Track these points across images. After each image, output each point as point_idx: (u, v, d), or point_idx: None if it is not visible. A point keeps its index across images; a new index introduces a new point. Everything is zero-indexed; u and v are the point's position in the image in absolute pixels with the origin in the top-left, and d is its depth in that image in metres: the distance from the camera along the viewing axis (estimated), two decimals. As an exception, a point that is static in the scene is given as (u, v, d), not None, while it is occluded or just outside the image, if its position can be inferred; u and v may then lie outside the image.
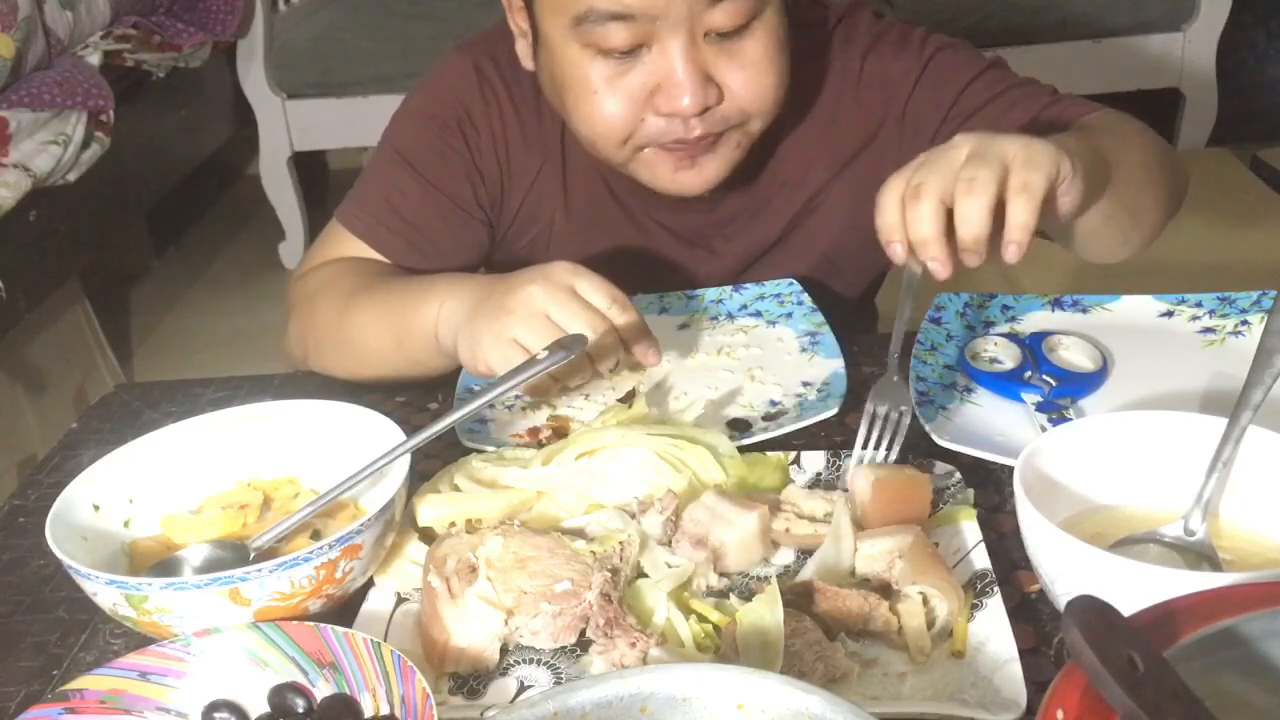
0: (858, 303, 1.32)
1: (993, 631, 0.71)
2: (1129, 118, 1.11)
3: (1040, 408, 0.95)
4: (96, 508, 0.83)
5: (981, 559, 0.77)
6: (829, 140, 1.17)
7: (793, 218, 1.20)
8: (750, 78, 1.01)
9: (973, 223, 0.80)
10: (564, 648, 0.75)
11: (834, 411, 0.96)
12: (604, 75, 0.99)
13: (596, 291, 0.94)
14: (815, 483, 0.88)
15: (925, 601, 0.72)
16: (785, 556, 0.82)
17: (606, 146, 1.04)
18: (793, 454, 0.90)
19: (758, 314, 1.15)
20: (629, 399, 0.95)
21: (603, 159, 1.08)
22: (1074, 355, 1.02)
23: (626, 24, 0.96)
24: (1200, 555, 0.73)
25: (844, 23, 1.16)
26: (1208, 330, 1.05)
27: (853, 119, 1.16)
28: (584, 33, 0.98)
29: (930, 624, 0.72)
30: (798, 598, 0.74)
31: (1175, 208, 1.12)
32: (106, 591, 0.73)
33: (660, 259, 1.21)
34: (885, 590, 0.75)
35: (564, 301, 0.92)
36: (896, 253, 0.84)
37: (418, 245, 1.15)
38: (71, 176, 2.27)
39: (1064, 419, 0.92)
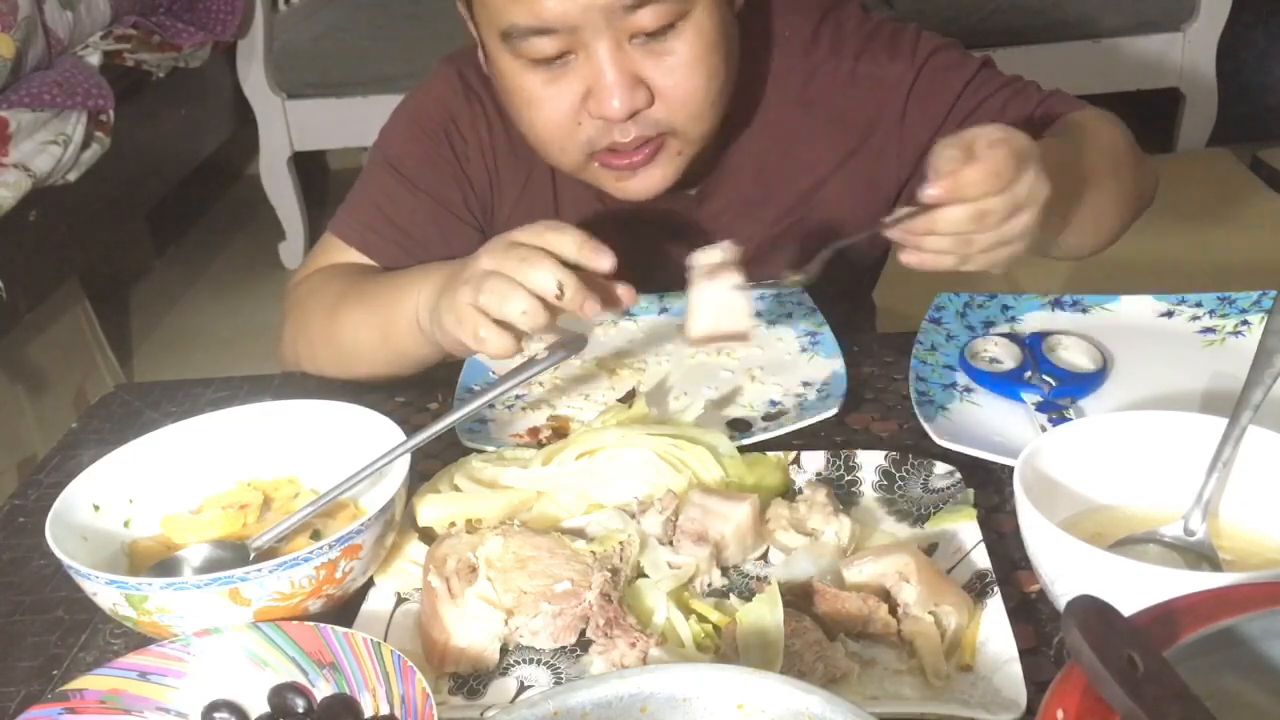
0: (856, 299, 1.32)
1: (993, 631, 0.71)
2: (1106, 117, 1.12)
3: (1040, 408, 0.95)
4: (96, 508, 0.83)
5: (981, 559, 0.77)
6: (822, 138, 1.17)
7: (787, 214, 1.20)
8: (679, 80, 1.00)
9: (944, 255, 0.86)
10: (564, 648, 0.75)
11: (834, 411, 0.96)
12: (538, 83, 1.00)
13: (534, 235, 0.90)
14: (816, 482, 0.88)
15: (937, 622, 0.72)
16: (780, 555, 0.82)
17: (553, 153, 1.06)
18: (793, 454, 0.90)
19: (758, 314, 1.15)
20: (629, 399, 0.95)
21: (556, 166, 1.09)
22: (1074, 355, 1.02)
23: (550, 36, 0.97)
24: (1200, 555, 0.73)
25: (830, 19, 1.16)
26: (1208, 330, 1.05)
27: (846, 119, 1.16)
28: (512, 46, 0.99)
29: (941, 636, 0.72)
30: (797, 598, 0.74)
31: (1140, 206, 1.13)
32: (106, 591, 0.73)
33: (653, 258, 1.21)
34: (884, 593, 0.75)
35: (509, 254, 0.89)
36: (931, 196, 0.84)
37: (410, 251, 1.15)
38: (71, 176, 2.27)
39: (1064, 419, 0.92)
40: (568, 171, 1.08)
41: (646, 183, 1.06)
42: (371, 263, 1.16)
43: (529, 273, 0.87)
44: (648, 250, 1.21)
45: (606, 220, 1.19)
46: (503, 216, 1.19)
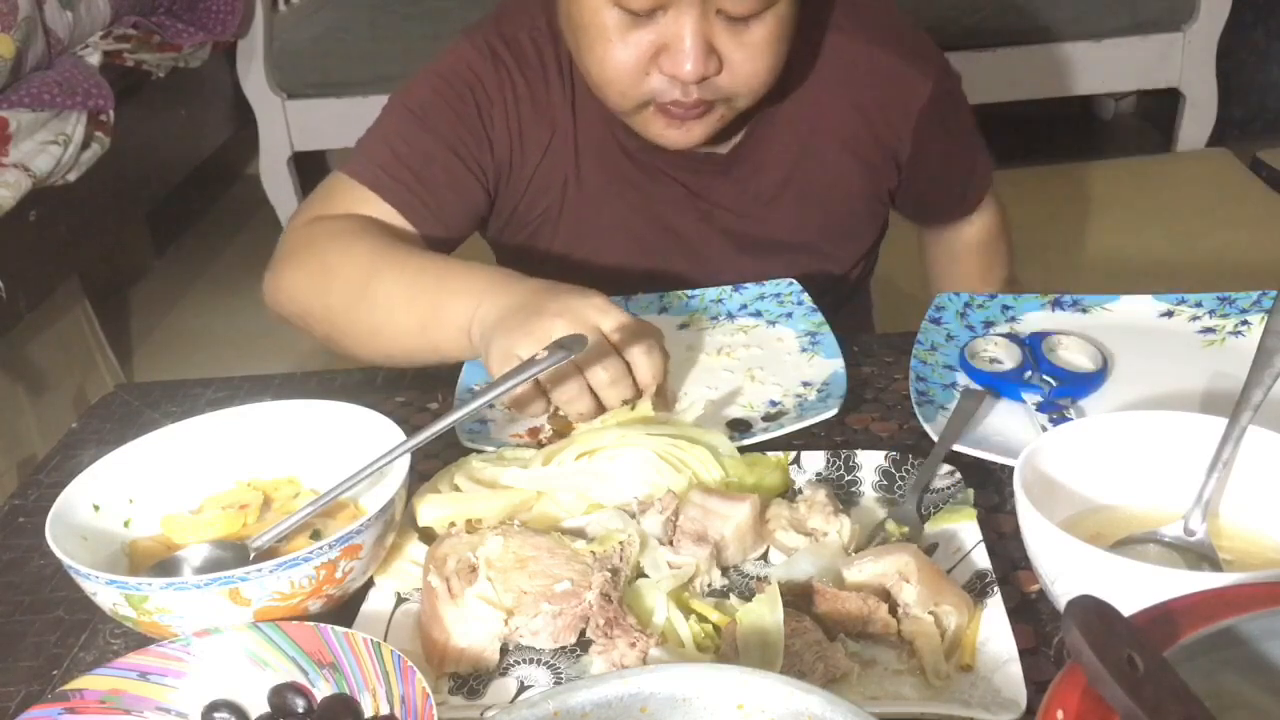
0: (853, 283, 1.36)
1: (993, 631, 0.71)
2: (993, 237, 1.41)
3: (1040, 408, 0.95)
4: (96, 508, 0.83)
5: (981, 559, 0.77)
6: (835, 113, 1.22)
7: (788, 183, 1.24)
8: (750, 57, 1.06)
9: None
10: (564, 648, 0.75)
11: (834, 411, 0.96)
12: (618, 26, 1.05)
13: (614, 327, 0.94)
14: (816, 482, 0.88)
15: (937, 622, 0.72)
16: (780, 556, 0.82)
17: (612, 93, 1.09)
18: (793, 454, 0.90)
19: (758, 314, 1.15)
20: (632, 401, 0.95)
21: (607, 104, 1.12)
22: (1074, 355, 1.02)
23: None
24: (1200, 555, 0.73)
25: (843, 2, 1.21)
26: (1208, 330, 1.05)
27: (859, 99, 1.21)
28: None
29: (941, 635, 0.72)
30: (797, 598, 0.74)
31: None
32: (106, 591, 0.73)
33: (669, 220, 1.25)
34: (884, 593, 0.75)
35: (601, 360, 0.93)
36: None
37: (419, 196, 1.15)
38: (71, 176, 2.27)
39: (1064, 419, 0.92)
40: (619, 112, 1.13)
41: (689, 135, 1.12)
42: (383, 207, 1.15)
43: (609, 394, 0.94)
44: (665, 212, 1.23)
45: (626, 181, 1.22)
46: (524, 177, 1.22)
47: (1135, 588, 0.63)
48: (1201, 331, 1.05)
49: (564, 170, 1.21)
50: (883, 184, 1.28)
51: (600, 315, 0.94)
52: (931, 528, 0.82)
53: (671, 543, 0.80)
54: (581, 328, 0.92)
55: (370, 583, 0.81)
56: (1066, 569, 0.69)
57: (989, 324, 1.09)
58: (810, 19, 1.16)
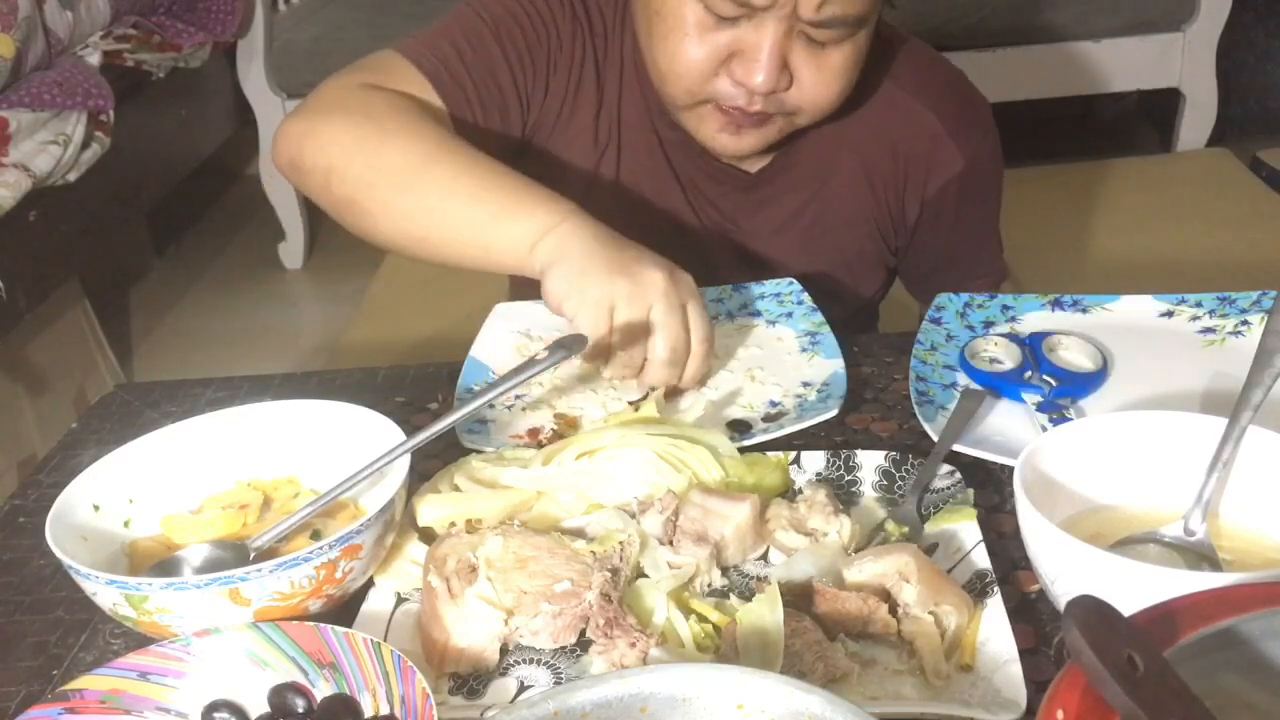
0: (865, 303, 1.35)
1: (993, 631, 0.71)
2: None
3: (1040, 408, 0.95)
4: (96, 508, 0.83)
5: (981, 559, 0.77)
6: (853, 148, 1.21)
7: (809, 197, 1.23)
8: (822, 79, 1.07)
9: None
10: (564, 648, 0.75)
11: (834, 412, 0.96)
12: (698, 23, 1.04)
13: (698, 318, 0.97)
14: (816, 482, 0.88)
15: (937, 622, 0.72)
16: (780, 556, 0.82)
17: (676, 88, 1.09)
18: (793, 454, 0.90)
19: (758, 314, 1.15)
20: (639, 403, 0.96)
21: (666, 95, 1.12)
22: (1074, 355, 1.02)
23: (739, 3, 1.02)
24: (1200, 555, 0.73)
25: (904, 50, 1.21)
26: (1208, 330, 1.05)
27: (892, 145, 1.21)
28: None
29: (941, 635, 0.72)
30: (797, 598, 0.74)
31: None
32: (106, 591, 0.73)
33: (688, 214, 1.25)
34: (884, 593, 0.75)
35: (671, 309, 0.95)
36: None
37: (467, 105, 1.14)
38: (71, 176, 2.27)
39: (1064, 419, 0.92)
40: (674, 106, 1.12)
41: (741, 143, 1.12)
42: (432, 96, 1.13)
43: (664, 337, 0.95)
44: (682, 211, 1.24)
45: (654, 169, 1.22)
46: (565, 139, 1.21)
47: (1135, 588, 0.63)
48: (1201, 331, 1.05)
49: (603, 143, 1.21)
50: (890, 239, 1.27)
51: (689, 296, 0.97)
52: (931, 528, 0.82)
53: (671, 543, 0.80)
54: (674, 295, 0.96)
55: (370, 583, 0.81)
56: (1066, 569, 0.69)
57: (989, 324, 1.09)
58: (870, 59, 1.15)
